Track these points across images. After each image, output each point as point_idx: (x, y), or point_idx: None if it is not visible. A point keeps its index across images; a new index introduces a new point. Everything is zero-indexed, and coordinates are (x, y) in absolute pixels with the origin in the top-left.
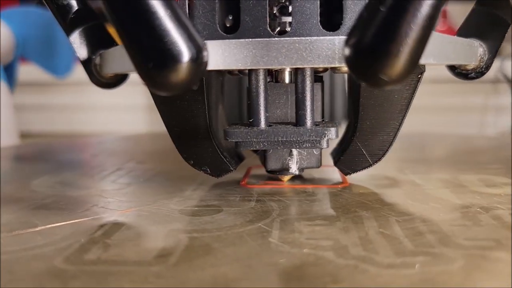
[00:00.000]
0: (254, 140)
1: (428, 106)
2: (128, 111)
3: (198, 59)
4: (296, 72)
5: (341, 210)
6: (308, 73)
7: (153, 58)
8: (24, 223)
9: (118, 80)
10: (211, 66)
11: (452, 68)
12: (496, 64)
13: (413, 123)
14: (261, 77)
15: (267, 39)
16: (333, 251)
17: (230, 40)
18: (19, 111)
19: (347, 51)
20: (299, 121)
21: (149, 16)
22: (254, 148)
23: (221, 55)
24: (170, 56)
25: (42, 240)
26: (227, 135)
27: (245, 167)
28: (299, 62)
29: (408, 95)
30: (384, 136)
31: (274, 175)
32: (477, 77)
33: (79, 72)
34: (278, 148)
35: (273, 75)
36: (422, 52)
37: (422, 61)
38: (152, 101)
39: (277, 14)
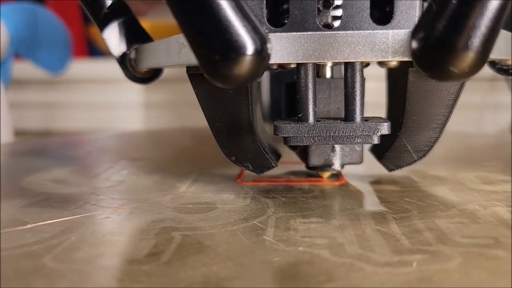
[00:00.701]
0: (305, 135)
1: None
2: (124, 109)
3: (262, 51)
4: (346, 67)
5: (337, 207)
6: (358, 67)
7: (217, 50)
8: (14, 221)
9: (153, 75)
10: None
11: (493, 64)
12: None
13: None
14: (310, 71)
15: (319, 32)
16: (328, 249)
17: (281, 34)
18: (13, 109)
19: (414, 44)
20: (348, 116)
21: (213, 7)
22: (304, 144)
23: (273, 49)
24: (235, 48)
25: (32, 238)
26: (278, 130)
27: None
28: (352, 56)
29: (455, 90)
30: (429, 132)
31: (314, 171)
32: None
33: (74, 70)
34: (328, 143)
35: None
36: (493, 45)
37: None
38: (149, 99)
39: (320, 8)
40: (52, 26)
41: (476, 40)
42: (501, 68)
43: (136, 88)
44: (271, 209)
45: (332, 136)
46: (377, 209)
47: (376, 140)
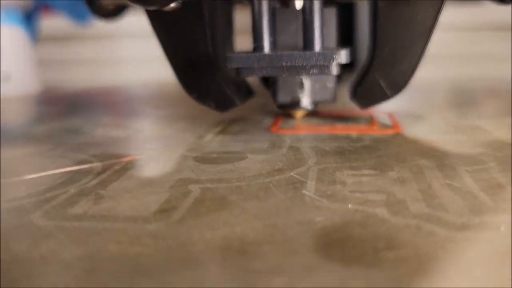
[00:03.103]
0: (256, 65)
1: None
2: (153, 63)
3: None
4: None
5: (394, 158)
6: None
7: None
8: (12, 172)
9: (117, 11)
10: None
11: None
12: None
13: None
14: None
15: None
16: (386, 207)
17: None
18: (42, 66)
19: None
20: (306, 45)
21: None
22: (257, 75)
23: None
24: None
25: (25, 191)
26: (227, 61)
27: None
28: None
29: (432, 14)
30: (404, 64)
31: (286, 111)
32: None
33: (101, 25)
34: (283, 75)
35: (283, 0)
36: None
37: None
38: None
39: None
40: None
41: None
42: None
43: None
44: (312, 159)
45: (285, 66)
46: (444, 161)
47: (334, 71)
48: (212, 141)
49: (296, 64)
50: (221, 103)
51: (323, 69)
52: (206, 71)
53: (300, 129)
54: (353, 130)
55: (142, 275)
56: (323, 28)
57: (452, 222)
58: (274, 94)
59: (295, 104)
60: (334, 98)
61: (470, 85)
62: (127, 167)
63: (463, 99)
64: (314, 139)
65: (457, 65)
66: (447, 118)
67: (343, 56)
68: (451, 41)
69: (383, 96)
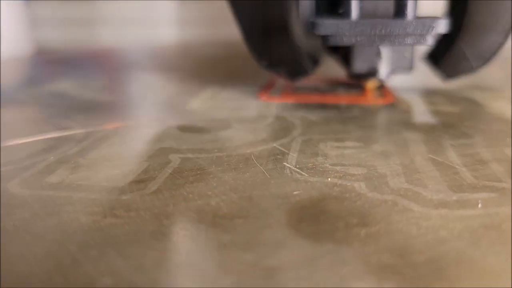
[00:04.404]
0: (347, 33)
1: None
2: (157, 25)
3: None
4: None
5: (380, 130)
6: None
7: None
8: None
9: None
10: None
11: None
12: None
13: None
14: None
15: None
16: (365, 181)
17: None
18: (36, 25)
19: None
20: (398, 12)
21: None
22: (345, 44)
23: None
24: None
25: (4, 158)
26: (315, 27)
27: (266, 77)
28: None
29: None
30: (493, 36)
31: (356, 81)
32: None
33: None
34: (374, 44)
35: None
36: None
37: None
38: (182, 15)
39: None
40: None
41: None
42: None
43: (168, 3)
44: (297, 130)
45: (378, 34)
46: (430, 134)
47: (430, 41)
48: (199, 109)
49: (392, 33)
50: (294, 71)
51: (419, 38)
52: (279, 38)
53: (290, 97)
54: (343, 99)
55: (111, 247)
56: None
57: (429, 198)
58: (348, 63)
59: (372, 73)
60: (412, 68)
61: None
62: (109, 135)
63: None
64: (302, 108)
65: None
66: (439, 85)
67: (442, 25)
68: None
69: (469, 68)
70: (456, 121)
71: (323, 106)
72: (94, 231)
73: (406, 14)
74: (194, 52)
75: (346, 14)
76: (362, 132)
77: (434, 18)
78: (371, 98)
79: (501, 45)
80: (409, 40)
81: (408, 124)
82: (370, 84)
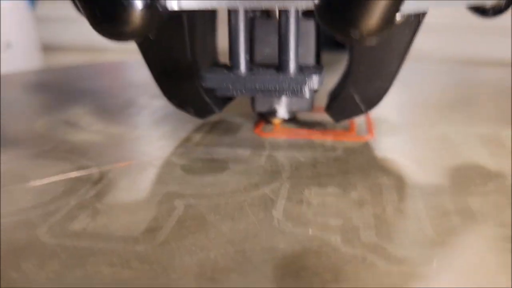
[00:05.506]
0: (231, 87)
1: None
2: None
3: (151, 6)
4: (280, 12)
5: (359, 174)
6: (292, 13)
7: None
8: (18, 176)
9: None
10: (181, 6)
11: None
12: None
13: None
14: (241, 16)
15: None
16: (341, 235)
17: None
18: (42, 23)
19: None
20: (281, 66)
21: None
22: (233, 95)
23: None
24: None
25: (32, 201)
26: (202, 80)
27: None
28: (278, 2)
29: (407, 39)
30: (379, 81)
31: (263, 117)
32: (495, 15)
33: None
34: (257, 95)
35: (264, 10)
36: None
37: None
38: None
39: None
40: None
41: None
42: (477, 9)
43: None
44: (286, 173)
45: (259, 89)
46: (404, 180)
47: (307, 94)
48: (201, 143)
49: (271, 88)
50: (200, 110)
51: (297, 92)
52: (185, 79)
53: (280, 133)
54: (329, 136)
55: None
56: (298, 47)
57: (393, 254)
58: (252, 102)
59: (273, 113)
60: (311, 108)
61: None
62: (121, 174)
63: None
64: (292, 146)
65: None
66: (424, 122)
67: (315, 81)
68: None
69: (357, 111)
70: (430, 162)
71: (310, 144)
72: (115, 283)
73: (288, 69)
74: None
75: (235, 67)
76: (342, 176)
77: (309, 72)
78: (355, 135)
79: (386, 91)
80: (287, 94)
81: (384, 167)
82: (276, 120)
